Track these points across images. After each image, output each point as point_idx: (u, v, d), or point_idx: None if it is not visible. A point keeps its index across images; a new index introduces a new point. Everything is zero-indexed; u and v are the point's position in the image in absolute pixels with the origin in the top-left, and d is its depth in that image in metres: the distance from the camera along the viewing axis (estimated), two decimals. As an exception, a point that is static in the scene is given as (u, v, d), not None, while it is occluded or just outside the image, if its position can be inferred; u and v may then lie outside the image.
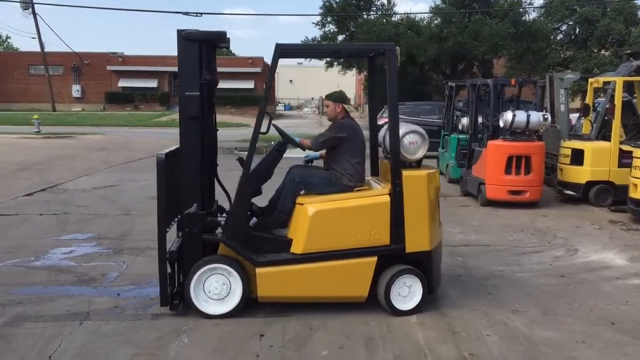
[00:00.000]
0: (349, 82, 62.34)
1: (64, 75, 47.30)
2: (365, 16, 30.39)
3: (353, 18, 30.78)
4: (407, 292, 4.61)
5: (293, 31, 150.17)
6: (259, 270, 4.49)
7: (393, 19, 30.08)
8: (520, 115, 9.21)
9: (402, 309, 4.60)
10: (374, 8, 30.38)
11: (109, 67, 46.18)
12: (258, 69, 49.55)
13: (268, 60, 56.64)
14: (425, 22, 29.23)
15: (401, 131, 4.71)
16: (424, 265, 4.65)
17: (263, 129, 4.77)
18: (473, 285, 5.42)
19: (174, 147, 4.72)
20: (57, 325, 4.30)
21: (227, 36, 4.73)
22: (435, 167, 5.00)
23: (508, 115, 9.21)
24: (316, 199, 4.67)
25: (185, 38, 4.49)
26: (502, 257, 6.42)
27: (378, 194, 4.65)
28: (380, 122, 19.19)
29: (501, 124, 9.39)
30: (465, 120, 11.58)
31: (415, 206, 4.56)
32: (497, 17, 26.30)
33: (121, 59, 48.28)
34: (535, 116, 9.29)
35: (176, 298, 4.54)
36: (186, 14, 25.39)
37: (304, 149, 5.12)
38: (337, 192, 4.72)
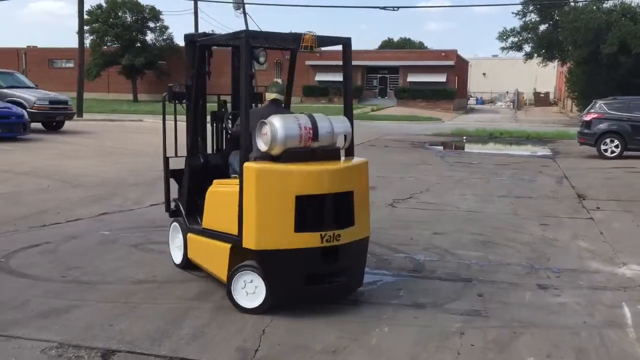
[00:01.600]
0: (550, 74, 58.39)
1: (268, 69, 50.84)
2: (572, 3, 28.23)
3: (558, 6, 28.77)
4: (254, 290, 4.36)
5: (490, 22, 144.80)
6: (187, 234, 5.19)
7: (605, 5, 27.50)
8: None
9: (244, 306, 4.38)
10: (583, -6, 28.11)
11: (307, 62, 48.58)
12: (451, 62, 48.55)
13: (462, 53, 55.29)
14: (644, 7, 26.32)
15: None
16: (266, 265, 4.29)
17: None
18: None
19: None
20: (269, 301, 4.64)
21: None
22: (319, 165, 4.36)
23: None
24: (223, 181, 4.91)
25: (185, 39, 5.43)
26: None
27: (236, 183, 4.46)
28: (586, 118, 17.72)
29: None
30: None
31: (247, 200, 4.28)
32: None
33: (319, 54, 50.33)
34: None
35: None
36: (383, 8, 25.72)
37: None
38: None
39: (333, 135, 4.50)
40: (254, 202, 4.22)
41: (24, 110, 16.48)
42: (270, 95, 5.01)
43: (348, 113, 4.82)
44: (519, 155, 17.61)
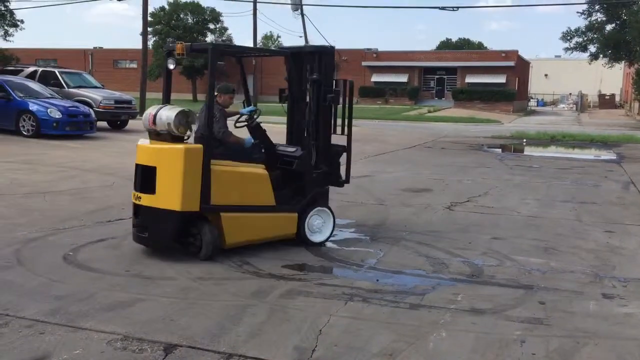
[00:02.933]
0: (616, 75, 56.27)
1: (323, 71, 50.98)
2: (641, 2, 27.13)
3: (626, 5, 27.69)
4: None
5: (552, 21, 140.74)
6: None
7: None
8: None
9: None
10: (654, -8, 26.94)
11: (363, 63, 48.52)
12: (511, 63, 47.45)
13: (523, 53, 53.92)
14: None
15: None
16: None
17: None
18: None
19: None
20: (325, 302, 4.66)
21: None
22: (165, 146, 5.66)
23: None
24: None
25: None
26: None
27: None
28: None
29: None
30: None
31: None
32: None
33: (375, 55, 50.27)
34: None
35: None
36: (442, 8, 25.39)
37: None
38: None
39: (164, 122, 5.57)
40: None
41: (90, 110, 17.14)
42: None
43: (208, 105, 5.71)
44: (582, 159, 17.05)
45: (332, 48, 6.53)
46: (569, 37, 32.27)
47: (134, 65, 52.52)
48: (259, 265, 5.56)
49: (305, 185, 6.30)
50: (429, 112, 39.28)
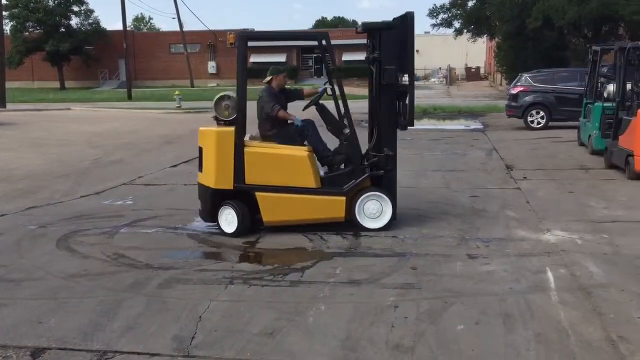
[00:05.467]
0: (479, 49, 59.80)
1: (201, 52, 49.90)
2: (497, -21, 28.86)
3: (484, -19, 29.38)
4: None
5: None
6: None
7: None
8: (677, 81, 8.36)
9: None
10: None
11: (241, 44, 47.79)
12: (384, 40, 48.62)
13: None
14: (565, -19, 27.14)
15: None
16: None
17: None
18: (622, 265, 5.06)
19: None
20: (205, 288, 4.61)
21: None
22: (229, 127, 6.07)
23: (662, 81, 8.41)
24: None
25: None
26: (654, 236, 5.92)
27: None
28: (513, 91, 18.22)
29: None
30: (611, 87, 10.70)
31: None
32: (649, -29, 23.82)
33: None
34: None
35: None
36: (314, -13, 25.52)
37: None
38: None
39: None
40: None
41: (-61, 103, 15.58)
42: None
43: None
44: (451, 129, 18.02)
45: (389, 23, 6.23)
46: (435, 14, 33.81)
47: (-9, 53, 48.27)
48: (136, 257, 5.40)
49: (353, 169, 6.21)
50: (309, 90, 39.59)
